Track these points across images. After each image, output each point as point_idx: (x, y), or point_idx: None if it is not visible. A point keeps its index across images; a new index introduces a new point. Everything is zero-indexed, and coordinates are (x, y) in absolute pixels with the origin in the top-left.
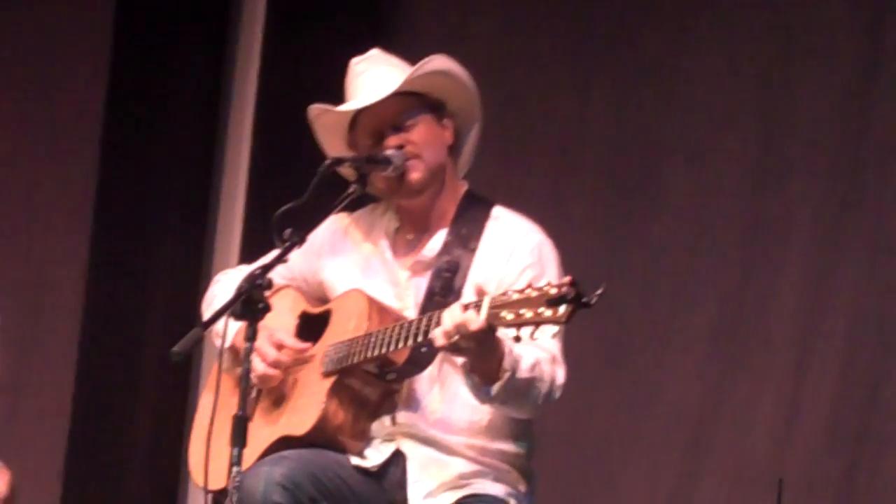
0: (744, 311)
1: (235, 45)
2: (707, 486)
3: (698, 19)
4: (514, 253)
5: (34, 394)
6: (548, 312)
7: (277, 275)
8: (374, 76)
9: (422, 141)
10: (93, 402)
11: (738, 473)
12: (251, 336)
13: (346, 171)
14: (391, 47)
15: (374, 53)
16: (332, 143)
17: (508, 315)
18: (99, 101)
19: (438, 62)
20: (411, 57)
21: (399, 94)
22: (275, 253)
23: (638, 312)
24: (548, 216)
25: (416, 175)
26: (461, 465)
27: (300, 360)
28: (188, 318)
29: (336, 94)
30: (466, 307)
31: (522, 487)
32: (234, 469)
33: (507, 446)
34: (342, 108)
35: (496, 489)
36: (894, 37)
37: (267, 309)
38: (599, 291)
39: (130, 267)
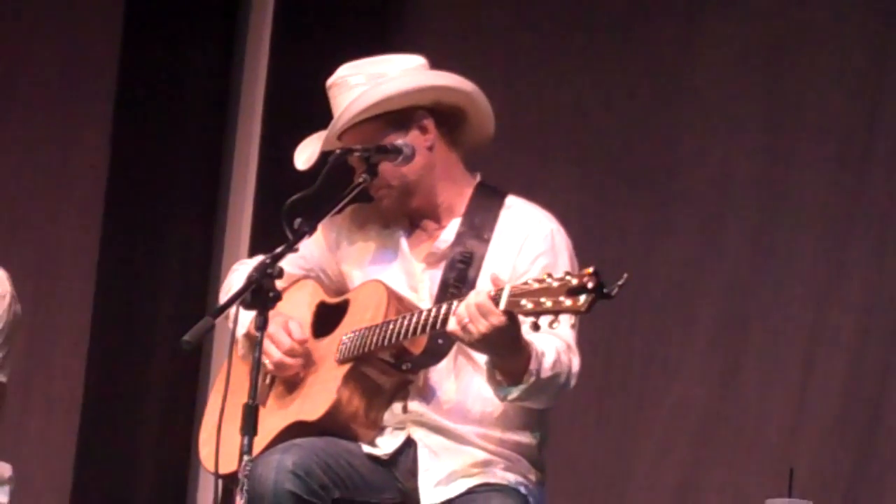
0: (754, 301)
1: (245, 35)
2: (718, 475)
3: (708, 9)
4: (527, 241)
5: (45, 382)
6: (568, 302)
7: (295, 266)
8: (337, 109)
9: (386, 169)
10: (103, 390)
11: (748, 462)
12: (262, 325)
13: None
14: (400, 43)
15: (340, 75)
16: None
17: (528, 303)
18: (110, 93)
19: (362, 101)
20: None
21: (355, 125)
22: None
23: (649, 301)
24: (557, 206)
25: (387, 203)
26: (472, 454)
27: (315, 349)
28: (199, 308)
29: None
30: (486, 295)
31: (533, 477)
32: (245, 458)
33: (520, 437)
34: (300, 164)
35: (507, 478)
36: None
37: (278, 298)
38: (621, 282)
39: (141, 256)
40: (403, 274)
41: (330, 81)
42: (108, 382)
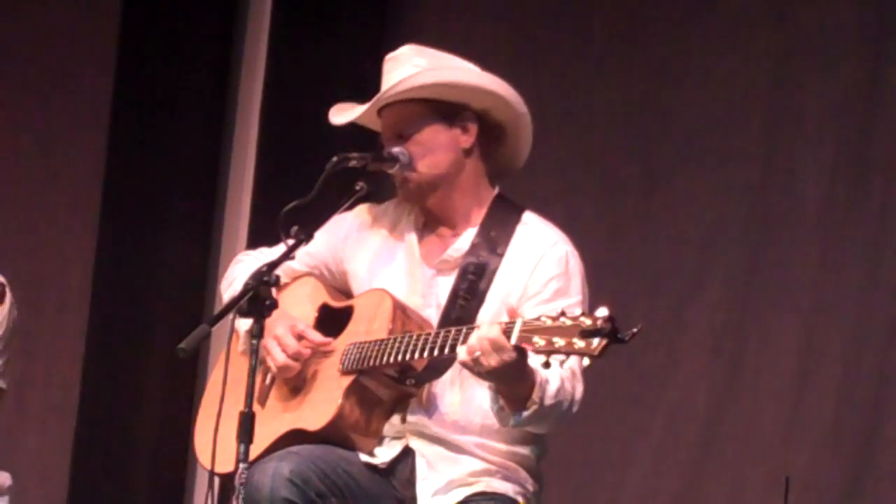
0: (750, 310)
1: (242, 40)
2: (714, 486)
3: (705, 18)
4: (542, 262)
5: (41, 389)
6: (580, 344)
7: (301, 262)
8: (391, 79)
9: (418, 151)
10: (100, 397)
11: (744, 472)
12: (258, 333)
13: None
14: (399, 43)
15: (402, 53)
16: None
17: (540, 341)
18: (107, 98)
19: (426, 76)
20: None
21: (403, 102)
22: (283, 249)
23: (644, 311)
24: (555, 214)
25: (409, 187)
26: (470, 463)
27: (320, 354)
28: (195, 314)
29: (341, 89)
30: (500, 330)
31: (531, 487)
32: (241, 465)
33: (519, 448)
34: (336, 119)
35: (505, 487)
36: None
37: (274, 306)
38: (636, 330)
39: (137, 263)
40: (411, 278)
41: (390, 56)
42: (104, 389)
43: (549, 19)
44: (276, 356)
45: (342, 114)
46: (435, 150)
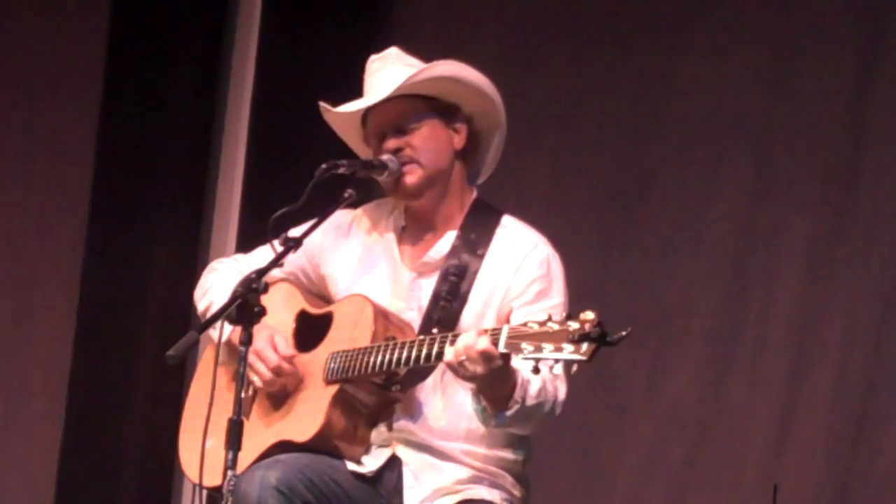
0: (740, 317)
1: (231, 43)
2: (702, 492)
3: (695, 26)
4: (523, 265)
5: (28, 395)
6: (569, 348)
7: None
8: (383, 77)
9: (422, 146)
10: (87, 404)
11: (733, 479)
12: (247, 340)
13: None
14: (389, 41)
15: (391, 52)
16: (350, 137)
17: (528, 347)
18: (95, 100)
19: (443, 68)
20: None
21: (406, 97)
22: (271, 256)
23: (634, 317)
24: (544, 221)
25: (410, 179)
26: (457, 471)
27: (301, 363)
28: (183, 321)
29: (333, 91)
30: (484, 333)
31: (518, 493)
32: (229, 473)
33: (504, 453)
34: (342, 108)
35: (492, 495)
36: (891, 43)
37: (262, 313)
38: (625, 333)
39: (125, 269)
40: (391, 281)
41: (378, 56)
42: (91, 397)
43: (539, 23)
44: (260, 371)
45: (342, 105)
46: (434, 147)
